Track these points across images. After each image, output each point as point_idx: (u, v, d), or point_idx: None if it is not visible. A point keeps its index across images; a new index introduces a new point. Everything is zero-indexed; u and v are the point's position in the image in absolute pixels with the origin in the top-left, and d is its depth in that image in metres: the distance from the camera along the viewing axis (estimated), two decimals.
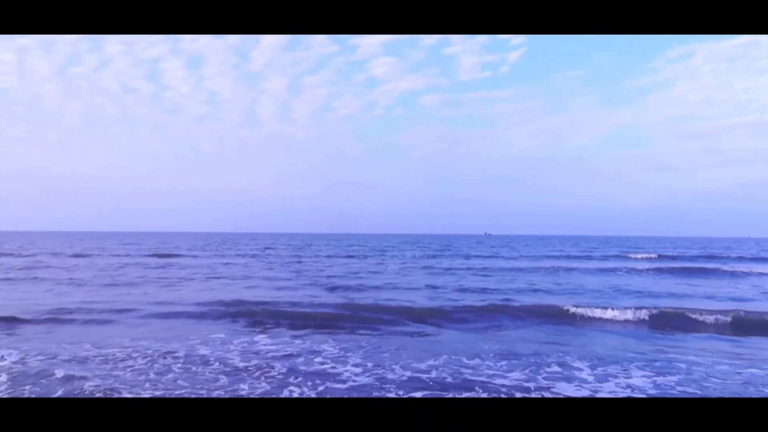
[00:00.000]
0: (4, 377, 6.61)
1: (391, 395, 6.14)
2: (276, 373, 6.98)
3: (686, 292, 16.91)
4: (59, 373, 6.75)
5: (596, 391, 6.37)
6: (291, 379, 6.72)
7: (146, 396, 5.98)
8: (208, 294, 15.51)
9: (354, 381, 6.70)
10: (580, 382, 6.69)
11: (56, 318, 11.24)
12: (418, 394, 6.16)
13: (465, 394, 6.20)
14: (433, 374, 6.96)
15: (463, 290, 16.86)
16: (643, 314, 11.72)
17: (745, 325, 10.95)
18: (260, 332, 10.04)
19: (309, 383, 6.56)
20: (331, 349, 8.56)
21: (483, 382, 6.64)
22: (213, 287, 17.78)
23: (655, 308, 12.34)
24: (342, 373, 7.04)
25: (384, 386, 6.46)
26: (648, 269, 26.01)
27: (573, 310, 12.25)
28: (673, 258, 37.11)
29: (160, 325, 10.71)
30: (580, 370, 7.28)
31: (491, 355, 8.19)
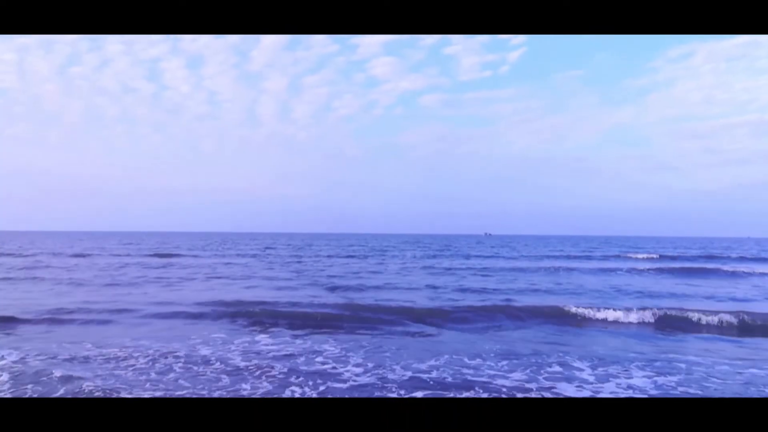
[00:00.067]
0: (4, 377, 6.62)
1: (392, 395, 6.15)
2: (277, 373, 6.99)
3: (687, 293, 16.90)
4: (59, 373, 6.75)
5: (597, 392, 6.37)
6: (292, 379, 6.73)
7: (146, 396, 5.98)
8: (209, 294, 15.51)
9: (355, 381, 6.70)
10: (581, 383, 6.69)
11: (56, 318, 11.25)
12: (419, 394, 6.17)
13: (465, 394, 6.20)
14: (434, 374, 6.96)
15: (464, 290, 16.86)
16: (644, 314, 11.72)
17: (746, 326, 10.95)
18: (261, 332, 10.04)
19: (310, 383, 6.57)
20: (332, 349, 8.56)
21: (484, 382, 6.64)
22: (213, 287, 17.79)
23: (655, 308, 12.33)
24: (343, 373, 7.04)
25: (385, 386, 6.47)
26: (648, 269, 26.01)
27: (573, 310, 12.25)
28: (673, 258, 37.11)
29: (160, 325, 10.71)
30: (581, 370, 7.28)
31: (492, 354, 8.19)
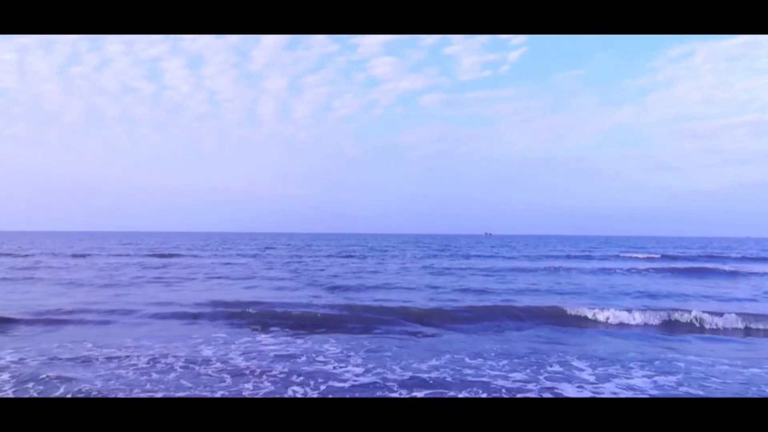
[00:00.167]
0: (4, 377, 6.62)
1: (392, 395, 6.15)
2: (278, 373, 6.99)
3: (687, 292, 16.89)
4: (59, 374, 6.75)
5: (598, 392, 6.37)
6: (293, 379, 6.73)
7: (146, 396, 5.98)
8: (209, 294, 15.51)
9: (355, 381, 6.71)
10: (582, 383, 6.69)
11: (56, 318, 11.23)
12: (419, 394, 6.17)
13: (465, 394, 6.20)
14: (434, 375, 6.96)
15: (464, 290, 16.86)
16: (644, 314, 11.71)
17: (746, 326, 10.94)
18: (261, 332, 10.04)
19: (311, 383, 6.57)
20: (333, 349, 8.56)
21: (485, 382, 6.64)
22: (213, 287, 17.79)
23: (655, 308, 12.34)
24: (343, 373, 7.04)
25: (385, 386, 6.47)
26: (649, 269, 25.99)
27: (573, 310, 12.25)
28: (673, 258, 37.10)
29: (161, 325, 10.71)
30: (581, 370, 7.29)
31: (493, 354, 8.19)
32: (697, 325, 11.11)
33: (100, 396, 5.94)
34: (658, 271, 25.41)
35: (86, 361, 7.49)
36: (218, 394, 6.11)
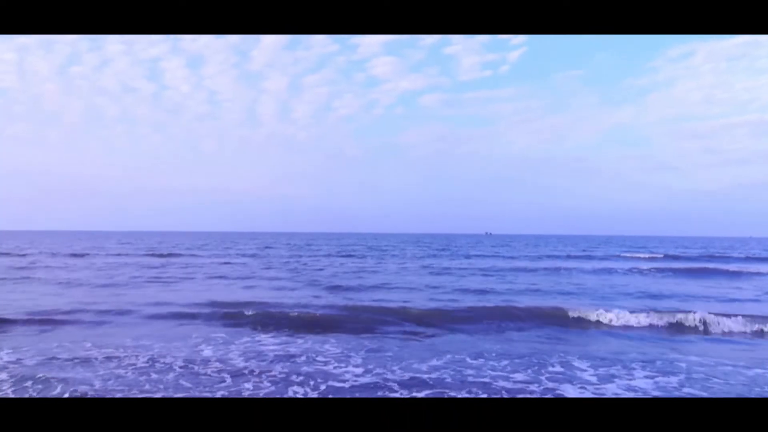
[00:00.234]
0: (3, 377, 6.62)
1: (392, 395, 6.15)
2: (278, 373, 6.99)
3: (691, 293, 16.88)
4: (58, 374, 6.76)
5: (599, 392, 6.37)
6: (293, 379, 6.73)
7: (146, 396, 5.99)
8: (209, 294, 15.51)
9: (355, 381, 6.71)
10: (583, 383, 6.69)
11: (54, 319, 11.22)
12: (420, 395, 6.17)
13: (465, 394, 6.20)
14: (435, 376, 6.96)
15: (464, 291, 16.86)
16: (647, 315, 11.67)
17: (749, 327, 10.91)
18: (261, 332, 10.04)
19: (311, 383, 6.57)
20: (333, 349, 8.56)
21: (486, 383, 6.64)
22: (213, 287, 17.79)
23: (658, 309, 12.34)
24: (344, 374, 7.05)
25: (385, 386, 6.47)
26: (651, 269, 25.92)
27: (574, 310, 12.23)
28: (675, 258, 37.05)
29: (160, 325, 10.71)
30: (583, 370, 7.29)
31: (494, 354, 8.20)
32: (700, 326, 11.05)
33: (99, 396, 5.94)
34: (660, 271, 25.36)
35: (85, 361, 7.49)
36: (218, 395, 6.12)
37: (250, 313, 11.70)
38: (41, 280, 19.56)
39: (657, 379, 6.86)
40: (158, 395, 6.04)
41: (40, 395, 5.99)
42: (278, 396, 6.12)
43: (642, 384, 6.64)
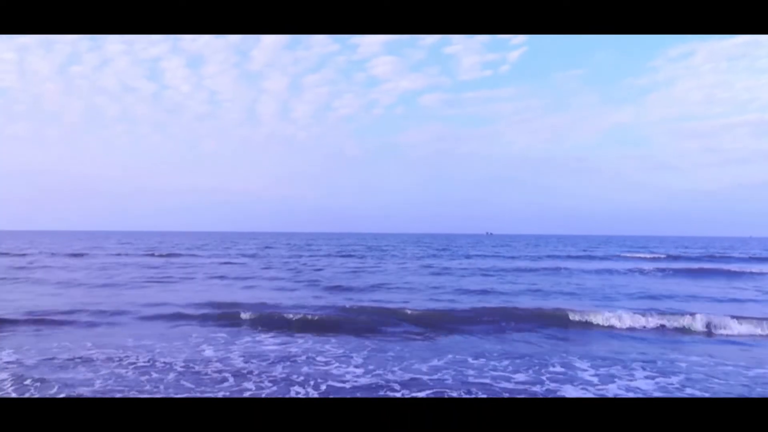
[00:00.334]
0: (2, 377, 6.62)
1: (393, 395, 6.15)
2: (278, 374, 6.99)
3: (694, 294, 16.85)
4: (58, 374, 6.76)
5: (600, 393, 6.37)
6: (294, 379, 6.73)
7: (147, 396, 5.99)
8: (209, 294, 15.51)
9: (356, 381, 6.71)
10: (585, 384, 6.69)
11: (53, 320, 11.21)
12: (420, 395, 6.17)
13: (465, 394, 6.20)
14: (436, 376, 6.95)
15: (464, 291, 16.85)
16: (648, 316, 11.63)
17: (749, 327, 10.88)
18: (262, 332, 10.05)
19: (311, 383, 6.57)
20: (334, 349, 8.57)
21: (487, 384, 6.64)
22: (213, 287, 17.80)
23: (659, 310, 12.33)
24: (344, 374, 7.05)
25: (386, 386, 6.47)
26: (653, 269, 25.81)
27: (575, 311, 12.19)
28: (676, 258, 36.98)
29: (161, 325, 10.71)
30: (584, 370, 7.29)
31: (495, 354, 8.20)
32: (702, 327, 10.98)
33: (99, 396, 5.94)
34: (661, 271, 25.27)
35: (85, 362, 7.49)
36: (219, 395, 6.12)
37: (250, 313, 11.70)
38: (40, 281, 19.56)
39: (658, 379, 6.86)
40: (158, 395, 6.04)
41: (40, 395, 5.99)
42: (279, 396, 6.12)
43: (642, 384, 6.63)
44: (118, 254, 37.77)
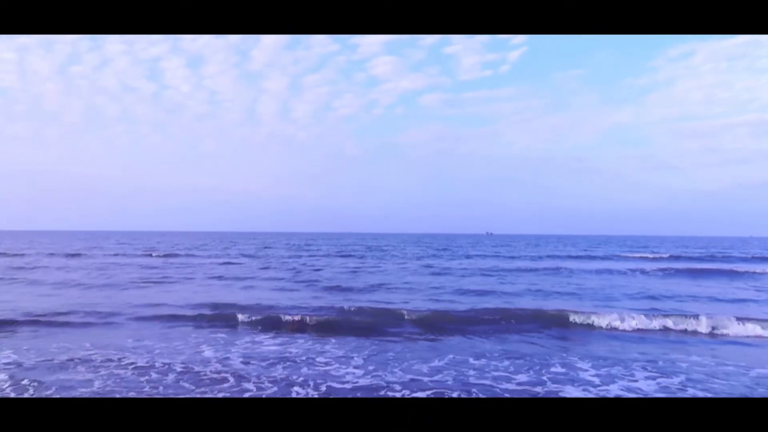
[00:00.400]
0: (2, 377, 6.61)
1: (393, 395, 6.15)
2: (279, 374, 6.99)
3: (693, 293, 16.84)
4: (57, 375, 6.76)
5: (601, 394, 6.37)
6: (294, 379, 6.73)
7: (146, 396, 5.98)
8: (208, 294, 15.51)
9: (356, 382, 6.71)
10: (586, 385, 6.69)
11: (54, 320, 11.22)
12: (420, 395, 6.17)
13: (465, 394, 6.20)
14: (437, 377, 6.95)
15: (465, 291, 16.83)
16: (648, 316, 11.61)
17: (750, 328, 10.85)
18: (262, 333, 10.05)
19: (311, 383, 6.57)
20: (334, 350, 8.56)
21: (488, 385, 6.64)
22: (213, 287, 17.79)
23: (660, 311, 12.32)
24: (344, 375, 7.04)
25: (386, 387, 6.47)
26: (653, 270, 25.73)
27: (577, 311, 12.17)
28: (677, 258, 36.91)
29: (159, 326, 10.71)
30: (585, 370, 7.29)
31: (496, 354, 8.20)
32: (703, 327, 10.95)
33: (99, 396, 5.94)
34: (662, 271, 25.18)
35: (85, 362, 7.49)
36: (220, 395, 6.11)
37: (250, 314, 11.69)
38: (37, 281, 19.54)
39: (659, 380, 6.85)
40: (158, 395, 6.03)
41: (40, 395, 5.99)
42: (279, 396, 6.12)
43: (643, 385, 6.63)
44: (116, 254, 37.74)
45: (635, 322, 11.05)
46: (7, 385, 6.32)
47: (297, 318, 11.15)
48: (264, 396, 6.12)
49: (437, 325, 10.99)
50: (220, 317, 11.52)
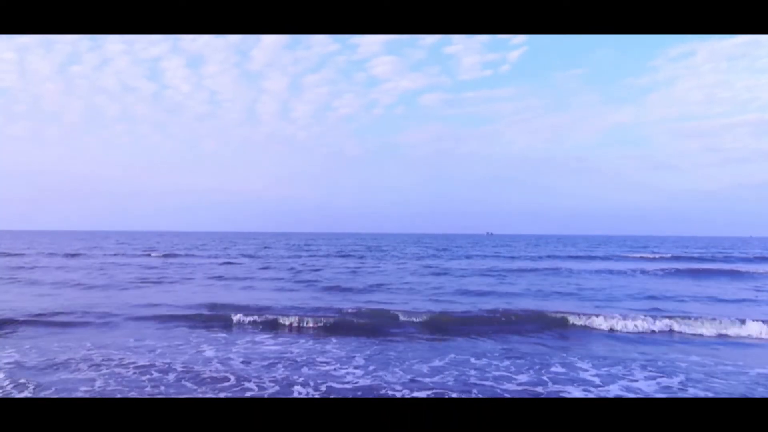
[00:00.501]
0: (1, 377, 6.61)
1: (392, 395, 6.15)
2: (279, 374, 6.99)
3: (693, 293, 16.83)
4: (60, 374, 6.76)
5: (601, 394, 6.37)
6: (295, 380, 6.73)
7: (147, 396, 5.99)
8: (207, 295, 15.50)
9: (357, 382, 6.71)
10: (587, 385, 6.69)
11: (54, 320, 11.22)
12: (420, 395, 6.17)
13: (465, 394, 6.20)
14: (437, 378, 6.95)
15: (465, 292, 16.83)
16: (648, 316, 11.60)
17: (750, 328, 10.85)
18: (262, 333, 10.05)
19: (312, 384, 6.57)
20: (334, 350, 8.56)
21: (489, 386, 6.64)
22: (213, 287, 17.79)
23: (660, 310, 12.31)
24: (345, 375, 7.04)
25: (386, 387, 6.47)
26: (654, 270, 25.66)
27: (577, 312, 12.17)
28: (677, 258, 36.88)
29: (161, 325, 10.70)
30: (585, 370, 7.29)
31: (496, 355, 8.19)
32: (704, 327, 10.94)
33: (100, 396, 5.94)
34: (662, 271, 25.11)
35: (86, 362, 7.49)
36: (220, 395, 6.11)
37: (250, 314, 11.69)
38: (36, 281, 19.53)
39: (659, 380, 6.85)
40: (158, 395, 6.03)
41: (40, 395, 5.99)
42: (280, 396, 6.12)
43: (643, 385, 6.63)
44: (116, 254, 37.74)
45: (635, 322, 11.02)
46: (7, 384, 6.32)
47: (297, 318, 11.14)
48: (264, 395, 6.12)
49: (437, 325, 10.98)
50: (220, 317, 11.52)
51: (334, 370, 7.31)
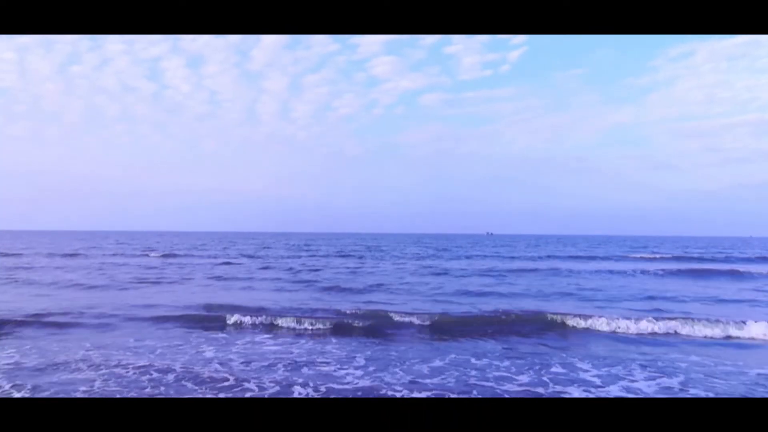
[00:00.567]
0: (3, 378, 6.61)
1: (392, 395, 6.15)
2: (279, 374, 6.99)
3: (694, 294, 16.83)
4: (60, 375, 6.75)
5: (601, 394, 6.37)
6: (294, 379, 6.73)
7: (146, 396, 5.98)
8: (208, 295, 15.50)
9: (357, 383, 6.70)
10: (586, 385, 6.69)
11: (54, 320, 11.21)
12: (420, 395, 6.16)
13: (465, 394, 6.20)
14: (437, 379, 6.95)
15: (465, 292, 16.82)
16: (649, 316, 11.58)
17: (749, 328, 10.83)
18: (262, 333, 10.04)
19: (312, 384, 6.57)
20: (334, 350, 8.56)
21: (489, 386, 6.64)
22: (212, 288, 17.78)
23: (661, 310, 12.30)
24: (345, 376, 7.04)
25: (388, 388, 6.47)
26: (654, 270, 25.62)
27: (577, 312, 12.17)
28: (678, 258, 36.86)
29: (160, 326, 10.70)
30: (586, 371, 7.28)
31: (497, 355, 8.19)
32: (704, 327, 10.91)
33: (100, 396, 5.94)
34: (663, 271, 25.07)
35: (86, 361, 7.49)
36: (220, 395, 6.11)
37: (250, 314, 11.69)
38: (35, 281, 19.52)
39: (659, 380, 6.85)
40: (158, 395, 6.03)
41: (40, 395, 5.99)
42: (280, 396, 6.12)
43: (643, 385, 6.63)
44: (115, 254, 37.73)
45: (635, 322, 11.01)
46: (7, 384, 6.32)
47: (297, 319, 11.13)
48: (264, 395, 6.12)
49: (438, 325, 10.98)
50: (220, 318, 11.51)
51: (335, 370, 7.30)
